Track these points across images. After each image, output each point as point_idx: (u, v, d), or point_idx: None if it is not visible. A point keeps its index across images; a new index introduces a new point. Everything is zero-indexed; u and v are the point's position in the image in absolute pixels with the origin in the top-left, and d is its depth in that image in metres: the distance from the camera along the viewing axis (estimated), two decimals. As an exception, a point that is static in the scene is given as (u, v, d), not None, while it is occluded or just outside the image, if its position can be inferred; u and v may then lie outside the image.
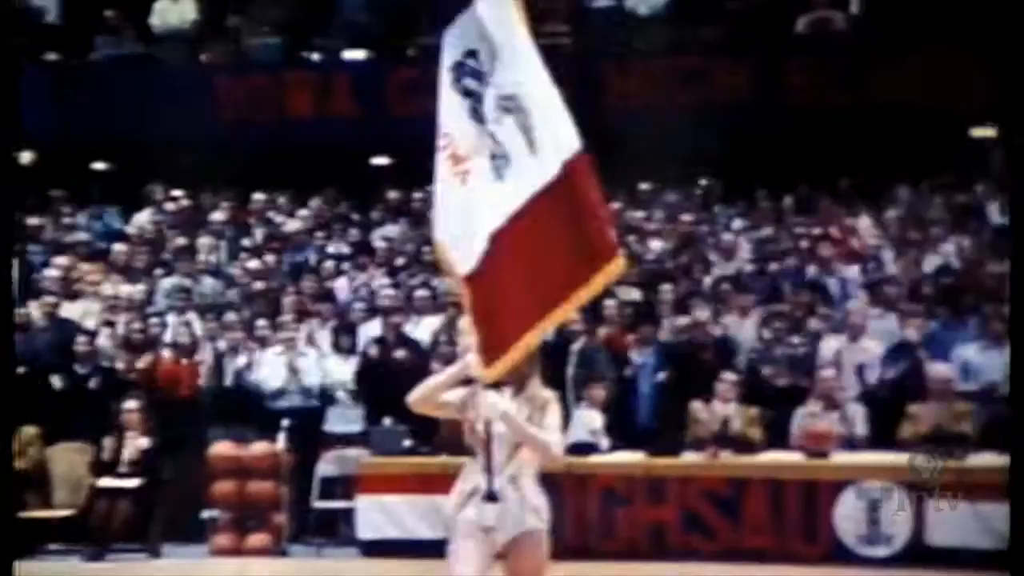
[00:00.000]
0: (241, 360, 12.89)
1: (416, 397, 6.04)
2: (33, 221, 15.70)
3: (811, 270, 13.76)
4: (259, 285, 14.07)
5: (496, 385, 5.91)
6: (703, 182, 16.06)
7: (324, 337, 13.29)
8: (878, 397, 11.90)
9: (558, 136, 5.89)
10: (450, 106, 6.03)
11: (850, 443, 11.46)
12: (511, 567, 5.93)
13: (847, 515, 10.90)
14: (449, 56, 6.05)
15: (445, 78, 6.04)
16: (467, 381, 5.96)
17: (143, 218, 15.90)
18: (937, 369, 11.54)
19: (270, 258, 14.79)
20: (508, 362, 5.83)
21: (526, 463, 5.96)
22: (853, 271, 13.63)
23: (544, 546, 5.96)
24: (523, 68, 5.94)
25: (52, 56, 17.22)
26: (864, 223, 14.50)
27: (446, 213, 6.00)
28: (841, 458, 11.21)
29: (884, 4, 15.96)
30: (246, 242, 15.35)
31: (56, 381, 12.81)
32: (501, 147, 5.88)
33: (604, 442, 11.73)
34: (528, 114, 5.87)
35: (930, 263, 13.61)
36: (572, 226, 5.83)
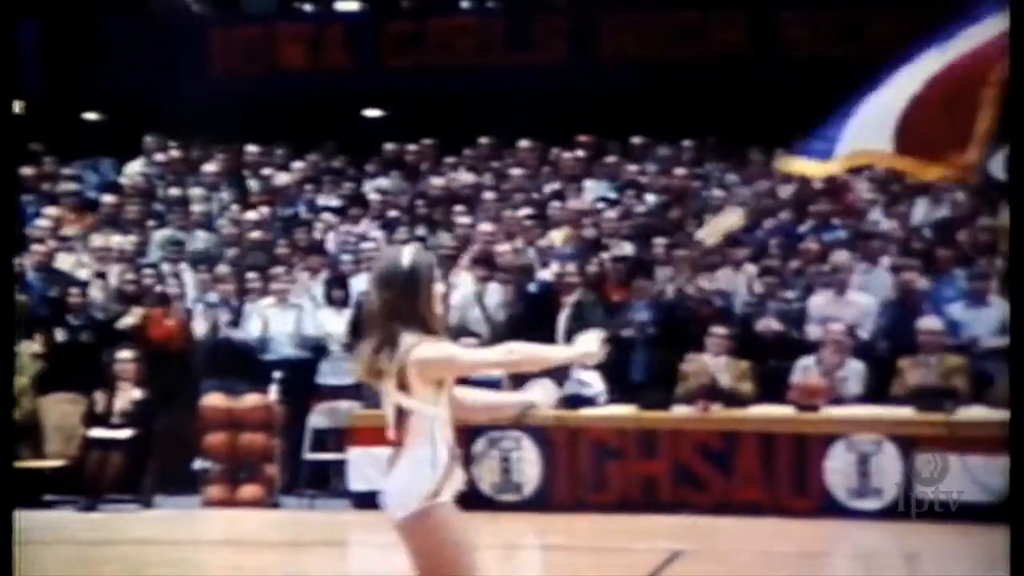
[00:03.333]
0: (231, 313, 12.89)
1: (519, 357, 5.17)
2: (26, 171, 15.66)
3: (803, 225, 13.76)
4: (251, 237, 14.08)
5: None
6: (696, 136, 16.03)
7: (316, 289, 13.33)
8: (869, 352, 11.92)
9: None
10: None
11: (841, 398, 11.48)
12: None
13: (837, 469, 10.95)
14: None
15: None
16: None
17: (135, 169, 15.86)
18: (928, 323, 11.56)
19: (263, 210, 14.79)
20: None
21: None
22: (843, 225, 13.63)
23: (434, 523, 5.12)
24: None
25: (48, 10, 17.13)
26: (856, 177, 14.46)
27: None
28: (831, 412, 11.24)
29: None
30: (229, 194, 15.31)
31: (49, 332, 12.82)
32: None
33: (601, 396, 11.75)
34: None
35: (922, 217, 13.61)
36: None
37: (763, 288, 12.53)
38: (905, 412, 11.00)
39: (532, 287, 12.94)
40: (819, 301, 12.28)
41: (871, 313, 12.15)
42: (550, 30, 16.55)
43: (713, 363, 11.79)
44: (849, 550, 10.65)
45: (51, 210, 14.67)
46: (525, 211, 14.14)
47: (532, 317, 12.60)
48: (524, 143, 15.61)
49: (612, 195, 14.71)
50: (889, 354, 11.71)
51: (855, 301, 12.21)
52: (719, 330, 11.87)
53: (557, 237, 13.85)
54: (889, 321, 12.04)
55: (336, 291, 13.07)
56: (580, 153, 15.47)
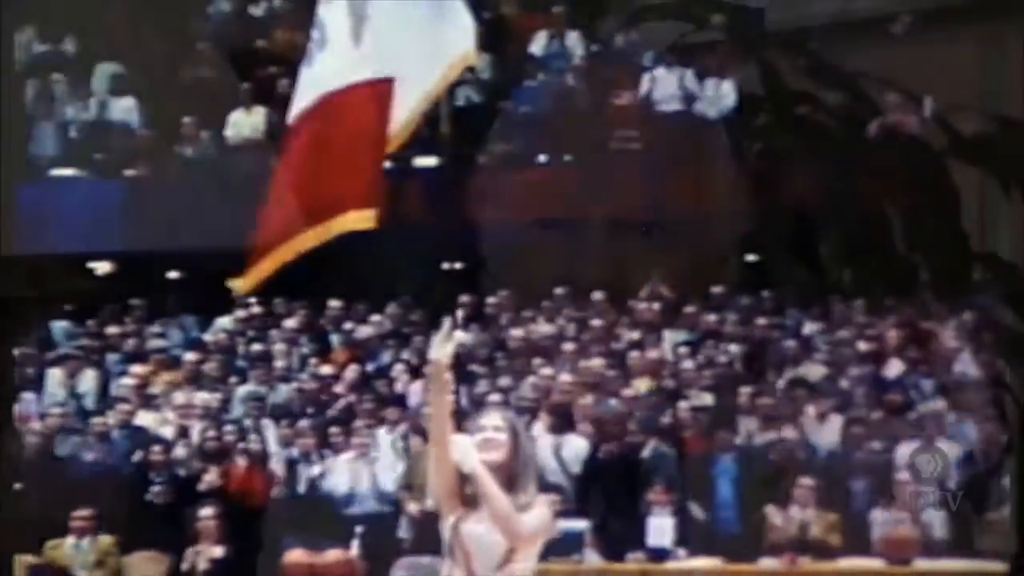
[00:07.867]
0: (315, 468, 12.92)
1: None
2: (111, 331, 15.86)
3: (888, 374, 13.62)
4: (332, 392, 14.16)
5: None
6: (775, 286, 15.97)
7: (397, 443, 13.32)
8: (958, 503, 11.71)
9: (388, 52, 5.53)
10: None
11: (929, 550, 11.25)
12: None
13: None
14: None
15: None
16: None
17: (222, 325, 16.03)
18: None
19: (342, 363, 14.87)
20: (260, 272, 5.42)
21: None
22: (929, 375, 13.49)
23: None
24: None
25: (131, 171, 17.48)
26: (940, 326, 14.34)
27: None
28: (923, 565, 11.01)
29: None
30: (308, 349, 15.43)
31: (132, 490, 12.89)
32: (320, 29, 5.60)
33: (679, 549, 11.61)
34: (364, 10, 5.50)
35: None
36: (349, 149, 5.51)
37: (848, 438, 12.39)
38: (996, 566, 10.75)
39: (611, 437, 12.87)
40: (906, 451, 12.11)
41: (960, 464, 11.96)
42: (627, 179, 16.59)
43: (800, 515, 11.62)
44: None
45: (137, 368, 14.82)
46: (604, 361, 14.11)
47: (610, 469, 12.53)
48: (598, 294, 15.59)
49: (690, 338, 14.67)
50: (979, 506, 11.49)
51: (943, 451, 12.02)
52: (806, 481, 11.73)
53: (637, 387, 13.79)
54: (978, 472, 11.84)
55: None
56: (658, 304, 15.45)
